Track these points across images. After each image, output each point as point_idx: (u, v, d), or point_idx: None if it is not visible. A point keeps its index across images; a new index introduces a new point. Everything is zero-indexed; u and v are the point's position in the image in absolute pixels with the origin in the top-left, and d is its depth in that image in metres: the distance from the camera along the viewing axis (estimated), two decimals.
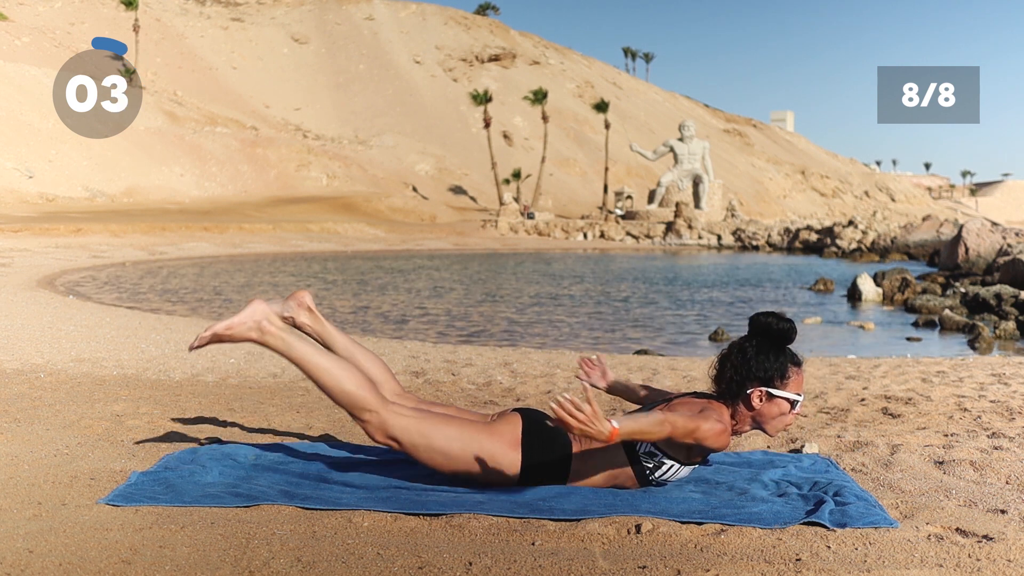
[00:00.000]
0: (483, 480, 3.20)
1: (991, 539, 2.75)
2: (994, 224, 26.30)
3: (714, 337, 10.95)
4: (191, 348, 3.17)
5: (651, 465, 3.19)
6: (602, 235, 50.68)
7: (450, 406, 3.46)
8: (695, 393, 3.36)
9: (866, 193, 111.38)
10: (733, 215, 58.18)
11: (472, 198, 70.10)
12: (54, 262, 21.31)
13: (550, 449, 3.20)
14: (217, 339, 3.14)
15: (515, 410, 3.33)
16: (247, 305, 3.19)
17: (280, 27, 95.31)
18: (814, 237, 45.77)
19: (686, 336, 11.39)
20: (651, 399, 3.58)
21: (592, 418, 2.78)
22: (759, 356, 3.20)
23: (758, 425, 3.27)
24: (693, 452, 3.20)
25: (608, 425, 2.82)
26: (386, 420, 3.12)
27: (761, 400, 3.21)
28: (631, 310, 14.51)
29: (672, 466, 3.20)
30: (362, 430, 3.22)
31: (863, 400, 5.42)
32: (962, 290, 16.27)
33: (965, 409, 5.08)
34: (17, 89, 58.74)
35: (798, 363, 3.25)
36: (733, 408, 3.26)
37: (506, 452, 3.18)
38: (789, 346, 3.25)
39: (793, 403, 3.23)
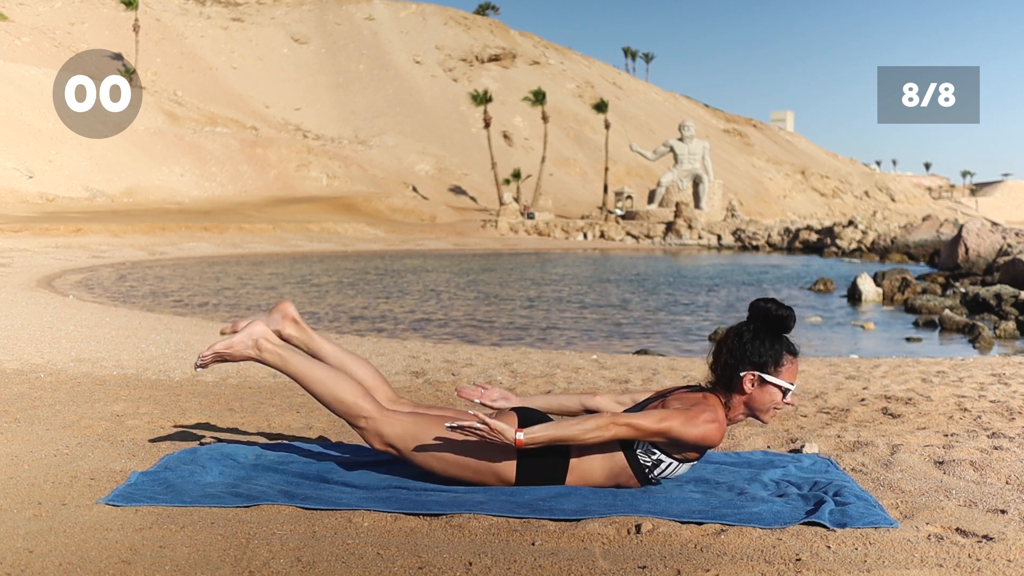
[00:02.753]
0: (479, 482, 3.23)
1: (991, 539, 2.75)
2: (994, 224, 26.32)
3: (714, 337, 10.96)
4: (197, 367, 3.38)
5: (649, 463, 3.19)
6: (602, 235, 50.68)
7: (447, 408, 3.47)
8: (689, 387, 3.36)
9: (866, 193, 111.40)
10: (733, 215, 58.18)
11: (472, 198, 70.10)
12: (54, 262, 21.32)
13: (547, 448, 3.20)
14: (220, 358, 3.34)
15: (513, 409, 3.33)
16: (248, 325, 3.37)
17: (280, 27, 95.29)
18: (814, 237, 45.77)
19: (686, 336, 11.40)
20: (634, 403, 3.50)
21: (491, 433, 3.03)
22: (755, 341, 3.20)
23: (752, 412, 3.25)
24: (686, 447, 3.20)
25: (512, 434, 3.03)
26: (381, 426, 3.21)
27: (753, 385, 3.21)
28: (631, 310, 14.51)
29: (670, 464, 3.20)
30: (360, 436, 3.28)
31: (863, 400, 5.42)
32: (962, 290, 16.27)
33: (965, 409, 5.08)
34: (17, 89, 58.74)
35: (794, 352, 3.24)
36: (727, 397, 3.25)
37: (501, 453, 3.19)
38: (787, 336, 3.24)
39: (785, 391, 3.22)
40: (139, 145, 59.27)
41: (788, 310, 3.20)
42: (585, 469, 3.23)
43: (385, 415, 3.23)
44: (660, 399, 3.31)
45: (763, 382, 3.20)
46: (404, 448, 3.22)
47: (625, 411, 3.31)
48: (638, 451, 3.19)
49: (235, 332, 3.40)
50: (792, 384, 3.22)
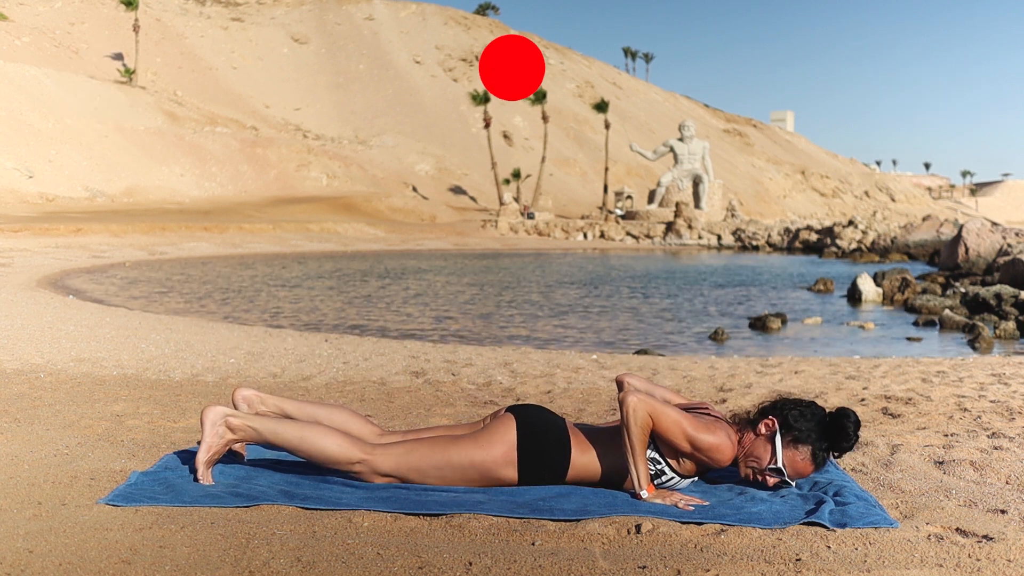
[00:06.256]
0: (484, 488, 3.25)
1: (991, 539, 2.75)
2: (994, 224, 26.31)
3: (714, 337, 10.94)
4: (201, 481, 3.20)
5: (652, 472, 3.20)
6: (602, 235, 50.66)
7: (438, 427, 3.45)
8: (708, 411, 3.38)
9: (866, 193, 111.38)
10: (733, 215, 58.17)
11: (472, 198, 70.08)
12: (54, 262, 21.31)
13: (546, 450, 3.22)
14: (211, 463, 3.21)
15: (509, 409, 3.32)
16: (204, 417, 3.23)
17: (280, 27, 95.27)
18: (814, 237, 45.74)
19: (686, 336, 11.39)
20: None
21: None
22: (806, 415, 3.22)
23: (739, 456, 3.26)
24: (692, 457, 3.21)
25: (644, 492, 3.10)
26: (375, 465, 3.20)
27: (766, 430, 3.23)
28: (631, 310, 14.51)
29: (671, 478, 3.23)
30: (357, 479, 3.24)
31: (863, 400, 5.42)
32: (962, 290, 16.27)
33: (965, 409, 5.08)
34: (17, 89, 58.72)
35: (816, 456, 3.22)
36: (741, 434, 3.29)
37: (500, 463, 3.21)
38: (832, 451, 3.25)
39: (775, 468, 3.21)
40: (139, 145, 59.26)
41: (856, 434, 3.20)
42: (587, 467, 3.25)
43: (375, 453, 3.21)
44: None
45: (771, 438, 3.22)
46: (402, 479, 3.23)
47: None
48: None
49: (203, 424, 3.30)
50: (783, 464, 3.20)
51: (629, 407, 3.11)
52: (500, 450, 3.21)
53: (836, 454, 3.28)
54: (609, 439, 3.26)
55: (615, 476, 3.25)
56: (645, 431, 3.12)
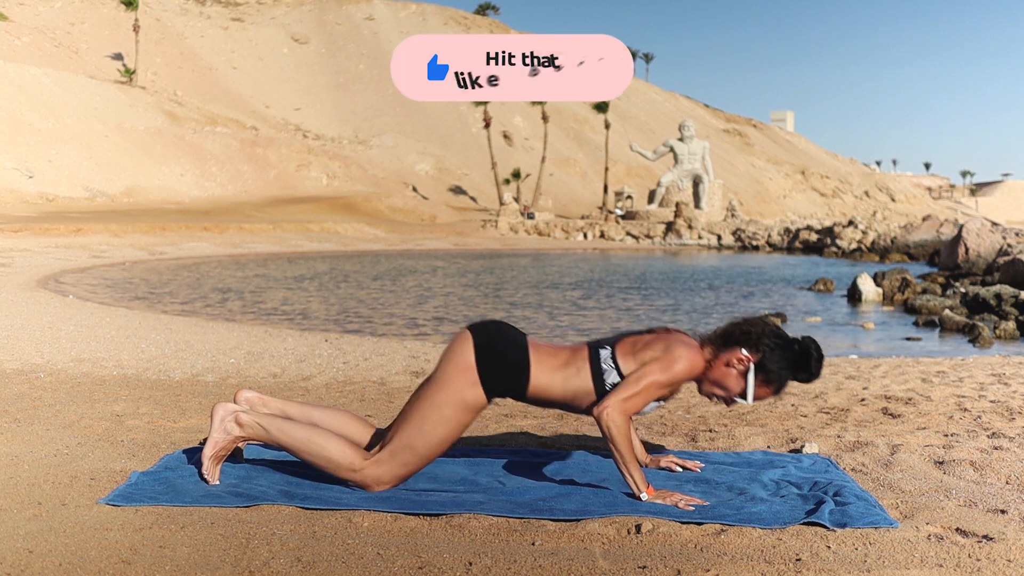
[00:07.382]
0: (466, 424, 3.28)
1: (991, 539, 2.76)
2: (994, 224, 26.29)
3: None
4: (210, 482, 3.22)
5: (610, 384, 3.24)
6: (602, 235, 50.64)
7: (415, 401, 3.37)
8: (667, 329, 3.40)
9: (866, 193, 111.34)
10: (733, 215, 58.15)
11: (472, 198, 70.07)
12: (54, 262, 21.30)
13: (505, 369, 3.24)
14: (218, 459, 3.26)
15: (469, 327, 3.34)
16: (214, 412, 3.29)
17: (280, 27, 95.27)
18: (814, 237, 45.71)
19: None
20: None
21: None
22: (782, 351, 3.24)
23: (702, 380, 3.29)
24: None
25: (642, 494, 3.12)
26: (373, 472, 3.20)
27: (740, 364, 3.24)
28: (631, 310, 14.52)
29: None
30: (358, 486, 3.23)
31: (863, 400, 5.42)
32: (962, 290, 16.26)
33: (965, 409, 5.08)
34: (17, 89, 58.71)
35: (779, 391, 3.30)
36: (711, 351, 3.29)
37: (464, 388, 3.22)
38: (791, 380, 3.30)
39: (742, 395, 3.26)
40: (139, 145, 59.25)
41: (820, 365, 3.26)
42: (546, 387, 3.28)
43: (371, 459, 3.22)
44: (634, 334, 3.39)
45: (744, 374, 3.25)
46: (407, 473, 3.23)
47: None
48: (605, 377, 3.25)
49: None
50: (751, 400, 3.27)
51: (604, 421, 3.15)
52: (461, 379, 3.22)
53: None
54: (568, 360, 3.29)
55: (575, 400, 3.28)
56: (627, 435, 3.15)
